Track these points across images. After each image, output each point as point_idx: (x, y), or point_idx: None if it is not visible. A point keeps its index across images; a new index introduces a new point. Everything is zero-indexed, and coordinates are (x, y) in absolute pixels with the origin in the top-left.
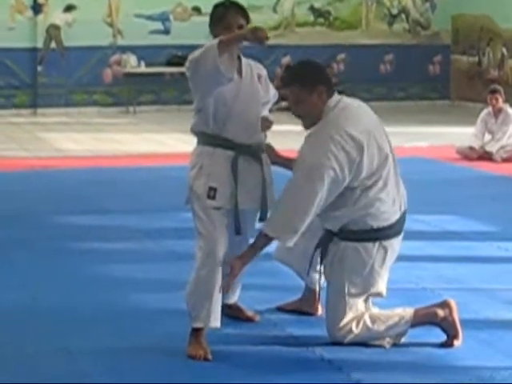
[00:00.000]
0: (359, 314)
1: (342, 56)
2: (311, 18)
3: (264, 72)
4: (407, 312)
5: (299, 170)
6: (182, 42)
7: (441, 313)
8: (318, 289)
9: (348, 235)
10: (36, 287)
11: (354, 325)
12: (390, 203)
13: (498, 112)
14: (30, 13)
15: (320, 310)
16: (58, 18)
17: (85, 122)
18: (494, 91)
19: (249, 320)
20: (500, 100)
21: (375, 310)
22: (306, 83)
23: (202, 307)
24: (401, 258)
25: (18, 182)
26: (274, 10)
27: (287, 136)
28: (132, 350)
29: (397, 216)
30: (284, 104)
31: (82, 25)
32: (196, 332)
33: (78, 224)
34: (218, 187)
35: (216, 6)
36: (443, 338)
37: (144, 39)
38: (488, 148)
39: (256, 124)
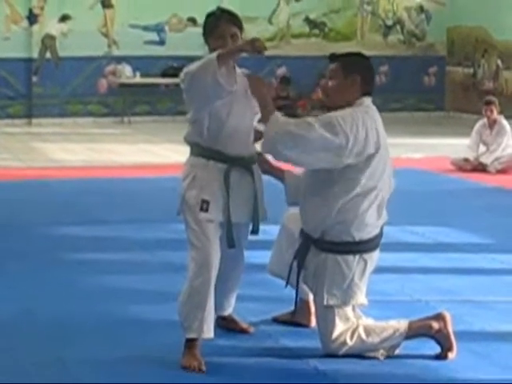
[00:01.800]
0: (352, 325)
1: None
2: (306, 30)
3: None
4: (402, 324)
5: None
6: (177, 53)
7: (435, 325)
8: (310, 300)
9: (329, 247)
10: (30, 298)
11: (348, 337)
12: (375, 217)
13: (492, 123)
14: (25, 23)
15: (314, 322)
16: (53, 28)
17: (80, 132)
18: (488, 102)
19: (243, 332)
20: (495, 111)
21: (370, 322)
22: (346, 66)
23: (195, 318)
24: (395, 270)
25: (13, 192)
26: (270, 22)
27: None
28: (126, 360)
29: (378, 230)
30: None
31: (77, 35)
32: (190, 343)
33: (73, 235)
34: (210, 200)
35: (208, 16)
36: (438, 350)
37: (139, 50)
38: (483, 159)
39: (249, 136)
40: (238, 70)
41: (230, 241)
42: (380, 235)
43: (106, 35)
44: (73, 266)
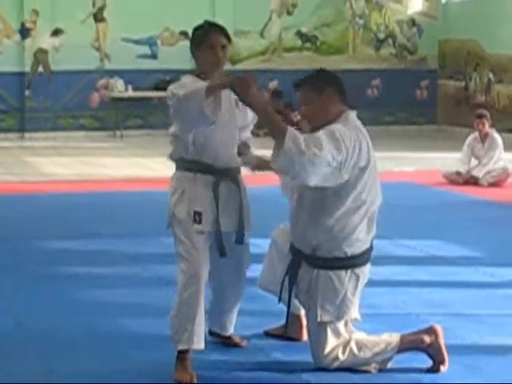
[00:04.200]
0: (344, 340)
1: None
2: (298, 43)
3: None
4: (393, 338)
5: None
6: (169, 67)
7: (427, 339)
8: (302, 314)
9: (321, 263)
10: (21, 312)
11: (340, 352)
12: (366, 231)
13: (484, 137)
14: (17, 37)
15: (305, 336)
16: (45, 42)
17: (72, 146)
18: (480, 116)
19: (236, 346)
20: (487, 125)
21: (362, 337)
22: (315, 84)
23: (185, 329)
24: (387, 284)
25: (4, 206)
26: (262, 35)
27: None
28: (117, 374)
29: (368, 244)
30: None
31: (70, 49)
32: (181, 355)
33: (65, 248)
34: (202, 211)
35: (196, 29)
36: (429, 363)
37: (131, 63)
38: (474, 173)
39: (233, 149)
40: None
41: (222, 249)
42: (370, 249)
43: (98, 49)
44: (64, 279)
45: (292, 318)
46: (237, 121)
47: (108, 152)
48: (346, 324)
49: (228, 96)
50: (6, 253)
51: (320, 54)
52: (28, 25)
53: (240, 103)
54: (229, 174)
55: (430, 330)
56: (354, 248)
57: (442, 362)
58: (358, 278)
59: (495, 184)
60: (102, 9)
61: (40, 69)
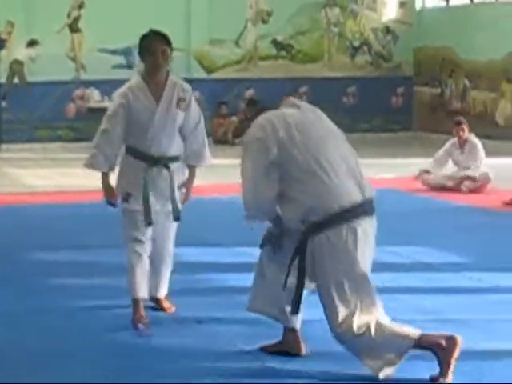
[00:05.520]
0: (365, 316)
1: (304, 89)
2: (274, 52)
3: (187, 95)
4: (413, 332)
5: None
6: None
7: (443, 343)
8: (298, 327)
9: (316, 229)
10: (6, 324)
11: (355, 324)
12: (341, 189)
13: (463, 143)
14: None
15: (304, 350)
16: (21, 53)
17: (49, 157)
18: (459, 122)
19: (165, 311)
20: (466, 130)
21: (384, 320)
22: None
23: (130, 281)
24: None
25: None
26: (237, 44)
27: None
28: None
29: (358, 198)
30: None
31: (45, 59)
32: (134, 303)
33: (50, 260)
34: (132, 192)
35: (142, 37)
36: (429, 373)
37: (107, 74)
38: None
39: (169, 142)
40: (172, 81)
41: (148, 217)
42: (366, 205)
43: (74, 59)
44: (51, 291)
45: (287, 335)
46: (174, 120)
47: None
48: (372, 304)
49: (171, 95)
50: None
51: (295, 63)
52: (3, 36)
53: (183, 102)
54: (161, 162)
55: (451, 338)
56: (339, 200)
57: (445, 372)
58: (355, 232)
59: (475, 190)
60: (77, 19)
61: (15, 80)
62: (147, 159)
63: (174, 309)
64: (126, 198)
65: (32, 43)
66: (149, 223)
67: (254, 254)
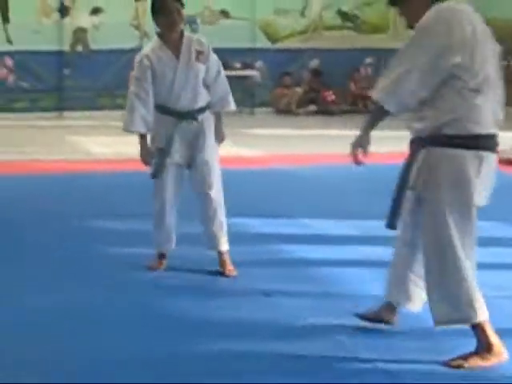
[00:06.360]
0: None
1: (369, 59)
2: (339, 22)
3: (205, 47)
4: (483, 312)
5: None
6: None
7: (493, 348)
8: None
9: (443, 140)
10: (66, 289)
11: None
12: (489, 113)
13: None
14: (56, 16)
15: (397, 322)
16: (84, 20)
17: (111, 125)
18: None
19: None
20: None
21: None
22: None
23: (156, 235)
24: None
25: (44, 185)
26: (302, 14)
27: (316, 140)
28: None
29: (493, 130)
30: (312, 108)
31: (109, 27)
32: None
33: (105, 228)
34: (163, 147)
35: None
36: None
37: None
38: None
39: (194, 96)
40: (187, 37)
41: (159, 170)
42: (495, 139)
43: (137, 27)
44: (104, 259)
45: (384, 305)
46: (196, 72)
47: None
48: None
49: (189, 49)
50: (46, 231)
51: (361, 33)
52: (67, 3)
53: (202, 55)
54: (189, 116)
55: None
56: (478, 127)
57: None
58: (481, 161)
59: None
60: None
61: (79, 48)
62: (175, 114)
63: (235, 273)
64: (160, 153)
65: (96, 11)
66: (154, 176)
67: (316, 225)
